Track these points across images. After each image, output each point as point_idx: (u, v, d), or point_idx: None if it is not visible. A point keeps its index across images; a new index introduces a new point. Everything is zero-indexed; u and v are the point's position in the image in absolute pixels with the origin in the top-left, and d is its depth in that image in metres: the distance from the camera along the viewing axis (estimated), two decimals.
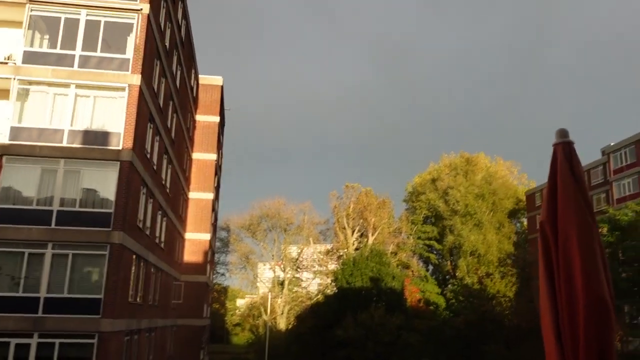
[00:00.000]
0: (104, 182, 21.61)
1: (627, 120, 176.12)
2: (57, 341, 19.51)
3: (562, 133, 2.26)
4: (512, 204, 71.97)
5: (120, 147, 21.52)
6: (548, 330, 2.05)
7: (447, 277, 70.22)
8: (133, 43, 22.77)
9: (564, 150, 2.21)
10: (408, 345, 44.17)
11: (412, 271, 65.34)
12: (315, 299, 64.52)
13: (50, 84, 22.03)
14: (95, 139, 21.67)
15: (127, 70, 22.40)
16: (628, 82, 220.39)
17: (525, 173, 78.58)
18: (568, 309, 1.98)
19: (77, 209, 21.16)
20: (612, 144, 54.84)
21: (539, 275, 2.19)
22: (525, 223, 73.17)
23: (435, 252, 71.89)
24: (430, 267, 72.96)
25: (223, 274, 77.46)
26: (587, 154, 69.54)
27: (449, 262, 70.09)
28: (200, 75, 44.10)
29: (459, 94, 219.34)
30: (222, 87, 45.58)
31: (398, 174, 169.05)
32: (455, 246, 67.64)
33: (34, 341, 19.38)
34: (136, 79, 22.26)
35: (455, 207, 67.33)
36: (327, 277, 65.53)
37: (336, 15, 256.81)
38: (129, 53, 22.72)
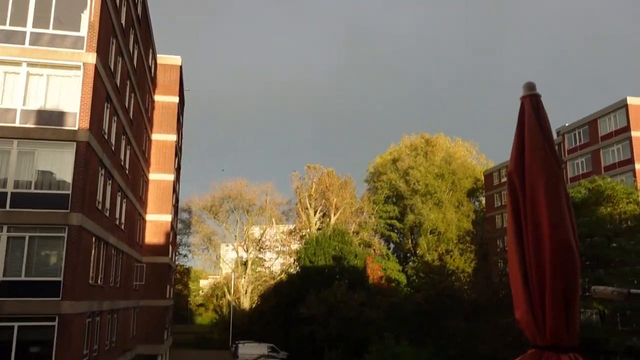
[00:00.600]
0: (61, 164, 21.07)
1: (587, 100, 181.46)
2: (16, 324, 19.12)
3: (530, 86, 2.37)
4: (470, 184, 73.55)
5: (76, 128, 20.96)
6: (515, 274, 2.17)
7: (408, 254, 71.57)
8: (87, 20, 22.07)
9: (531, 102, 2.33)
10: (370, 321, 44.97)
11: (374, 249, 66.28)
12: (278, 278, 64.86)
13: (0, 62, 21.23)
14: (50, 119, 21.05)
15: (82, 49, 21.73)
16: (586, 67, 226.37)
17: (483, 153, 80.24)
18: (535, 254, 2.11)
19: (32, 190, 20.62)
20: (566, 124, 56.44)
21: (507, 224, 2.30)
22: (484, 202, 74.91)
23: (396, 231, 73.03)
24: (392, 246, 74.21)
25: (185, 256, 77.24)
26: None
27: (409, 240, 71.36)
28: (158, 55, 43.14)
29: (419, 76, 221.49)
30: (181, 67, 44.74)
31: (359, 154, 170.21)
32: (415, 225, 68.86)
33: None
34: (91, 58, 21.63)
35: (416, 186, 68.39)
36: (290, 257, 65.93)
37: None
38: (84, 30, 22.00)
